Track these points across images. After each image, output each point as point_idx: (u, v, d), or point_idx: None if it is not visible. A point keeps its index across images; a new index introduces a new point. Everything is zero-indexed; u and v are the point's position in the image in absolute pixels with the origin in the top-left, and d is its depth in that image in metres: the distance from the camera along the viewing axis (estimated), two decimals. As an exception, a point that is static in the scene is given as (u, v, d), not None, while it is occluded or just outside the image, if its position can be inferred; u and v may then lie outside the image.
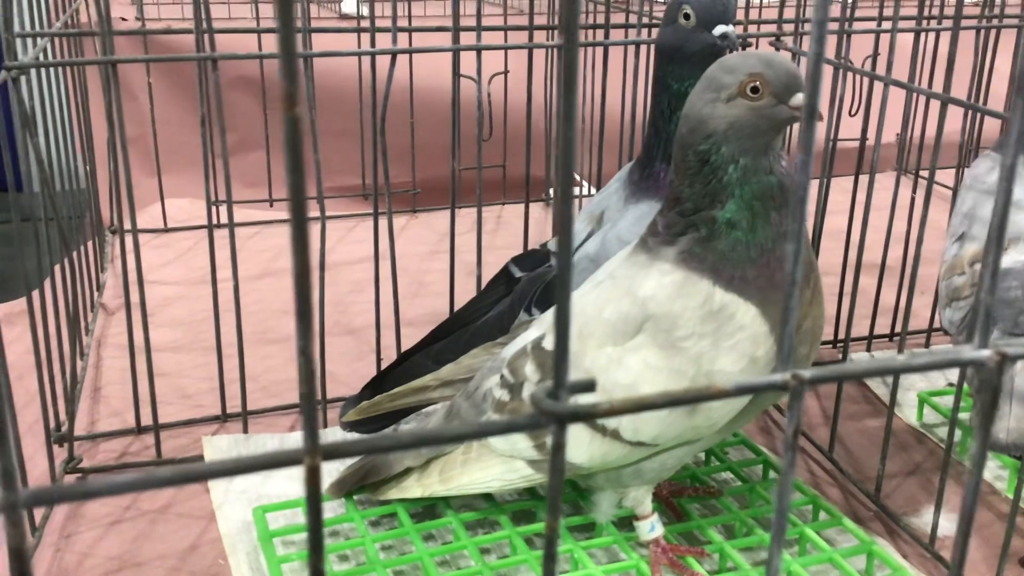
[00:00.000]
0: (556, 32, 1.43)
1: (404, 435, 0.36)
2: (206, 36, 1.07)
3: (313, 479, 0.35)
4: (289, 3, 0.29)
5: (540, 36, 1.73)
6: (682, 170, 0.87)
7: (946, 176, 1.88)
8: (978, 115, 1.67)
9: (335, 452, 0.35)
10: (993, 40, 1.76)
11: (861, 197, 1.20)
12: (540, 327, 0.97)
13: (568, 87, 0.35)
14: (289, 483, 1.08)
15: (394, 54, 1.08)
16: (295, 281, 0.33)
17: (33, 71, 1.04)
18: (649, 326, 0.86)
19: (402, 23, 1.12)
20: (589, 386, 0.38)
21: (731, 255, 0.84)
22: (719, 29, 1.02)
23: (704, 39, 1.03)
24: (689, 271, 0.85)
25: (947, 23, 1.58)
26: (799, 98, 0.83)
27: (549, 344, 0.94)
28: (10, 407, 0.97)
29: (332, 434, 1.17)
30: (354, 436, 1.12)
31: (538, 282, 1.14)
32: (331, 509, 1.02)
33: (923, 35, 1.22)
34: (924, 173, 1.71)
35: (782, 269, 0.84)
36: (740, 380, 0.39)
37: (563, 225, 0.36)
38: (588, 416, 0.37)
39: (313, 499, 0.35)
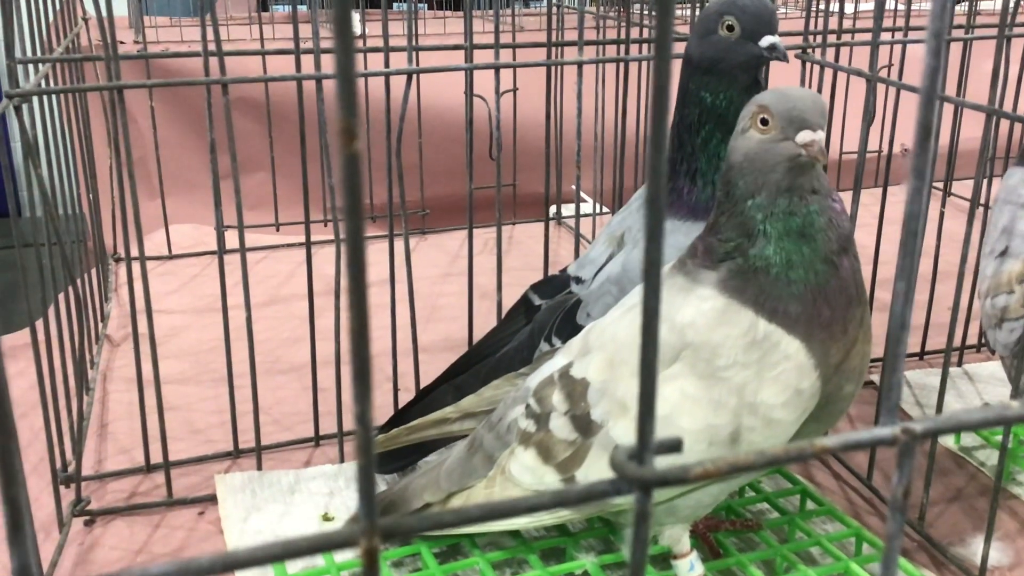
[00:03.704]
0: (569, 49, 1.39)
1: (472, 509, 0.32)
2: (214, 60, 1.03)
3: (371, 564, 0.31)
4: (348, 32, 0.25)
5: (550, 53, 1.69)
6: (718, 198, 0.85)
7: (962, 187, 1.84)
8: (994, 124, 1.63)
9: (395, 531, 0.31)
10: None
11: (883, 210, 1.17)
12: (567, 354, 0.93)
13: (659, 99, 0.31)
14: (306, 523, 1.03)
15: (410, 74, 1.04)
16: (352, 340, 0.29)
17: (35, 98, 1.00)
18: (688, 354, 0.82)
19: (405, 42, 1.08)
20: (675, 446, 0.34)
21: (771, 290, 0.80)
22: (766, 40, 0.98)
23: (750, 50, 0.98)
24: (731, 299, 0.81)
25: (970, 32, 1.55)
26: (805, 135, 0.79)
27: (578, 372, 0.90)
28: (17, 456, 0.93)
29: (350, 469, 1.13)
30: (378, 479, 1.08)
31: (558, 311, 1.10)
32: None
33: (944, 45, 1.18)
34: (941, 184, 1.67)
35: (829, 306, 0.80)
36: (845, 436, 0.34)
37: (650, 263, 0.32)
38: (679, 481, 0.33)
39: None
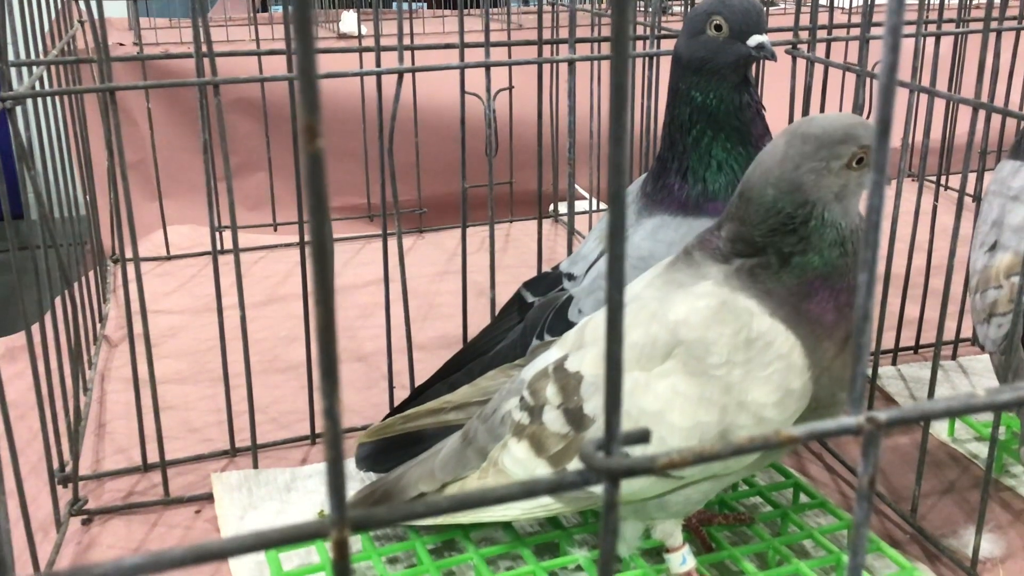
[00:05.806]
0: (564, 46, 1.40)
1: (442, 500, 0.32)
2: (206, 60, 1.04)
3: (341, 554, 0.31)
4: (309, 31, 0.25)
5: (545, 51, 1.70)
6: (759, 225, 0.83)
7: (957, 180, 1.84)
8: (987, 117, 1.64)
9: (365, 523, 0.31)
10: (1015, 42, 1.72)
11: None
12: (562, 347, 0.94)
13: (618, 97, 0.31)
14: (303, 519, 1.04)
15: (401, 73, 1.05)
16: (318, 336, 0.29)
17: (29, 100, 1.01)
18: (680, 351, 0.82)
19: (404, 41, 1.09)
20: (643, 436, 0.34)
21: (794, 287, 0.81)
22: (754, 39, 0.98)
23: (739, 50, 0.99)
24: (733, 292, 0.82)
25: (951, 26, 1.55)
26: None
27: (572, 365, 0.90)
28: (12, 454, 0.94)
29: (347, 466, 1.13)
30: (370, 474, 1.09)
31: (549, 308, 1.10)
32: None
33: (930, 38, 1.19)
34: (934, 178, 1.67)
35: (835, 309, 0.81)
36: (811, 426, 0.35)
37: (613, 258, 0.32)
38: (645, 472, 0.33)
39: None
